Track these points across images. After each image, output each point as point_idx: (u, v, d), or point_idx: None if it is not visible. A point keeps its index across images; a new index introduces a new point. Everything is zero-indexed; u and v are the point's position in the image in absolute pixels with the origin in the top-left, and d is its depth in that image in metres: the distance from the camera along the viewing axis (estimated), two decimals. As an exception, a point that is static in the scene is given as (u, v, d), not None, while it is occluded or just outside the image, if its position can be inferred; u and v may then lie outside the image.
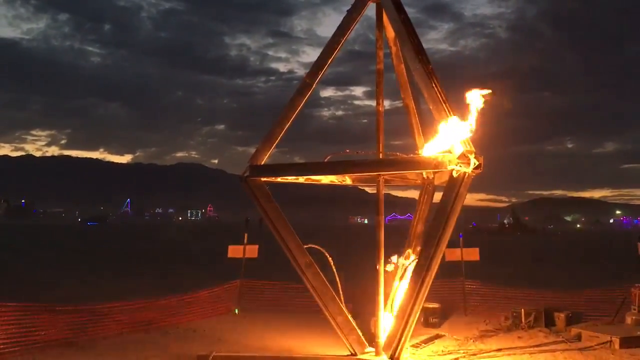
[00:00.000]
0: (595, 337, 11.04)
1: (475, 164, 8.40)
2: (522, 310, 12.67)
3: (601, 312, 13.17)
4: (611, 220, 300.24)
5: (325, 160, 9.51)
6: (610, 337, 10.76)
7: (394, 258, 10.62)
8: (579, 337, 11.35)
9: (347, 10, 10.05)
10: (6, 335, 9.64)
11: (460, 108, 8.92)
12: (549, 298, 14.17)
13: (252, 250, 15.06)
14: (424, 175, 11.26)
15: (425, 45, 9.51)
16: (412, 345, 10.56)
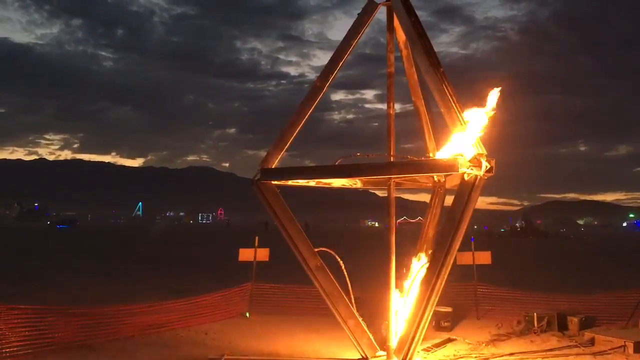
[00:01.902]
0: (609, 341, 10.94)
1: (487, 167, 8.36)
2: (535, 314, 12.58)
3: (615, 316, 13.05)
4: (624, 224, 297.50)
5: (336, 163, 9.51)
6: (624, 342, 10.65)
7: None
8: (592, 342, 11.24)
9: (358, 14, 10.07)
10: (19, 338, 9.72)
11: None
12: (562, 302, 14.07)
13: (263, 254, 15.09)
14: (435, 179, 11.23)
15: (436, 49, 9.49)
16: (424, 349, 10.52)
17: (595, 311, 13.41)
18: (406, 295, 9.96)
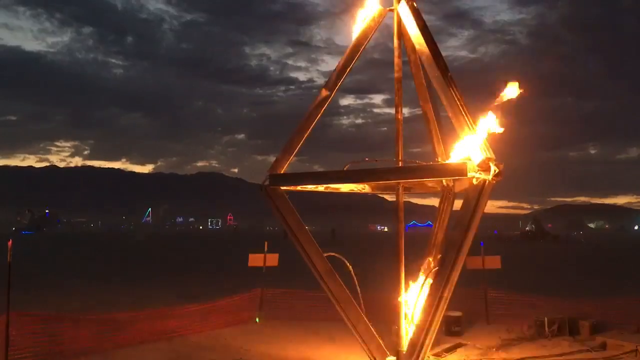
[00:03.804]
0: (620, 345, 10.87)
1: (495, 171, 8.35)
2: (546, 318, 12.50)
3: (626, 320, 12.94)
4: (636, 227, 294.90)
5: (345, 168, 9.53)
6: (636, 346, 10.58)
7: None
8: (603, 346, 11.17)
9: (366, 19, 10.10)
10: (31, 344, 9.80)
11: (479, 115, 8.90)
12: (573, 306, 13.98)
13: (273, 259, 15.10)
14: (444, 183, 11.22)
15: (444, 52, 9.50)
16: (434, 354, 10.49)
17: (606, 315, 13.30)
18: (416, 299, 9.95)
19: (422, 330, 8.74)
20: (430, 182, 10.99)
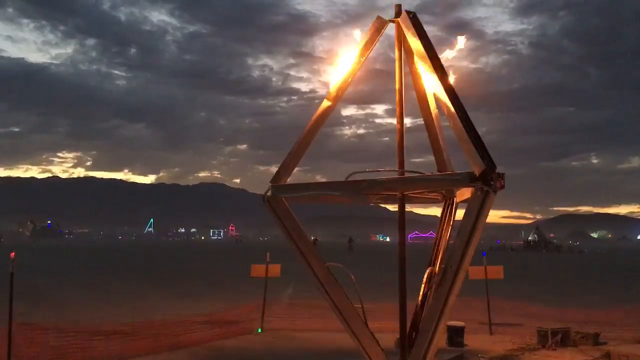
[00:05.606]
0: (624, 356, 10.81)
1: (497, 181, 8.34)
2: (549, 329, 12.46)
3: (630, 330, 12.90)
4: (639, 237, 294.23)
5: (347, 178, 9.54)
6: (640, 357, 10.53)
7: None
8: (607, 357, 11.12)
9: (366, 30, 10.16)
10: (38, 355, 9.78)
11: (479, 125, 8.92)
12: (576, 316, 13.94)
13: (275, 270, 15.08)
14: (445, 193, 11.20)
15: (445, 63, 9.53)
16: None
17: (610, 326, 13.26)
18: (417, 310, 9.92)
19: (425, 341, 8.71)
20: (431, 192, 11.00)
